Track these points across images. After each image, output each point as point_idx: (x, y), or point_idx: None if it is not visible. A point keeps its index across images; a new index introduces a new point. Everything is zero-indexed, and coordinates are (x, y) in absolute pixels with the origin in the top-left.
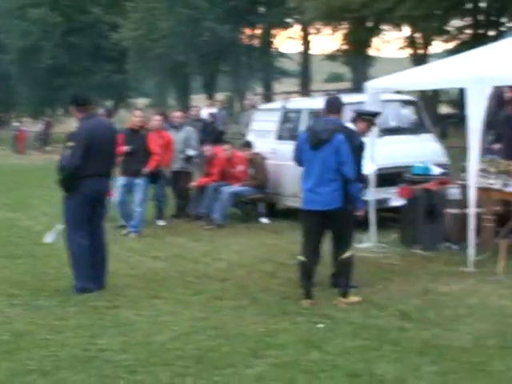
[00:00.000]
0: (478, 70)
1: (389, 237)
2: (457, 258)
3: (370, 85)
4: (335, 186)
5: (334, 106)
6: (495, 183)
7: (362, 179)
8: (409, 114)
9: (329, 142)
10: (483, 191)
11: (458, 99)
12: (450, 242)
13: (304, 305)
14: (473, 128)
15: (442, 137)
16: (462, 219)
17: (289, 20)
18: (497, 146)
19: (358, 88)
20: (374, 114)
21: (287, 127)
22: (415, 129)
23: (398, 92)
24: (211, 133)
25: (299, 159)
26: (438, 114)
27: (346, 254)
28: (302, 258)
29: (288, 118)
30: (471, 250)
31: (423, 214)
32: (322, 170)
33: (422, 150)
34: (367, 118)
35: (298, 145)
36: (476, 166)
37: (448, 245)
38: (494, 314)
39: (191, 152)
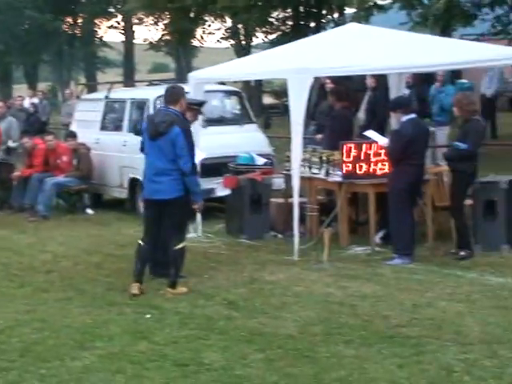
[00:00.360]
0: (298, 61)
1: (215, 227)
2: (282, 247)
3: (193, 75)
4: (175, 176)
5: (172, 96)
6: (318, 173)
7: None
8: (232, 104)
9: (166, 135)
10: (307, 181)
11: (282, 90)
12: (276, 231)
13: (133, 290)
14: (295, 118)
15: (266, 127)
16: (287, 209)
17: (111, 9)
18: (319, 137)
19: (181, 78)
20: (201, 103)
21: (111, 117)
22: (239, 119)
23: (222, 83)
24: (34, 123)
25: (142, 149)
26: (262, 104)
27: (179, 245)
28: (140, 241)
29: (112, 109)
30: (296, 239)
31: (248, 203)
32: (161, 160)
33: (246, 141)
34: (195, 107)
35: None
36: (299, 156)
37: (273, 234)
38: (319, 301)
39: (12, 143)
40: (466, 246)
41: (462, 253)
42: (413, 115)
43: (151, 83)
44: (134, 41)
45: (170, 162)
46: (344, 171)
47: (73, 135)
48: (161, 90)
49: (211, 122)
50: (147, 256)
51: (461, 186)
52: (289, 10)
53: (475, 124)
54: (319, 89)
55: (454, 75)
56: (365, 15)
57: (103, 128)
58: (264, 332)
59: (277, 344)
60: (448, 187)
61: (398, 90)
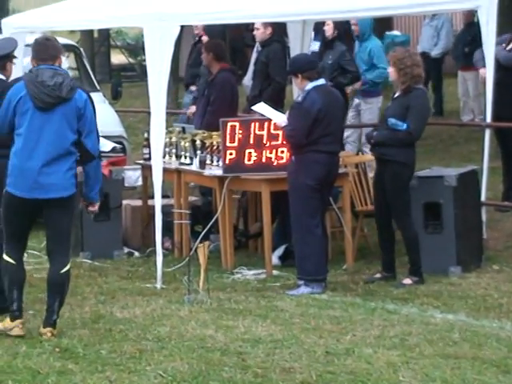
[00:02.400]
0: (158, 4)
1: (43, 240)
2: (140, 269)
3: (8, 22)
4: (70, 164)
5: (53, 50)
6: (190, 163)
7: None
8: (67, 64)
9: (67, 102)
10: (174, 174)
11: (137, 44)
12: (130, 247)
13: (17, 331)
14: (155, 85)
15: (115, 97)
16: (146, 215)
17: None
18: (191, 111)
19: None
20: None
21: None
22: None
23: (53, 33)
24: None
25: (16, 125)
26: (110, 64)
27: (67, 267)
28: (9, 259)
29: None
30: (159, 259)
31: None
32: (53, 141)
33: None
34: None
35: (8, 105)
36: (162, 140)
37: (127, 251)
38: (193, 347)
39: None
40: (417, 270)
41: (408, 281)
42: (321, 81)
43: None
44: None
45: (67, 143)
46: (226, 161)
47: None
48: None
49: None
50: (22, 278)
51: (401, 183)
52: None
53: (420, 95)
54: (194, 44)
55: (382, 26)
56: None
57: None
58: None
59: None
60: (374, 185)
61: (301, 45)
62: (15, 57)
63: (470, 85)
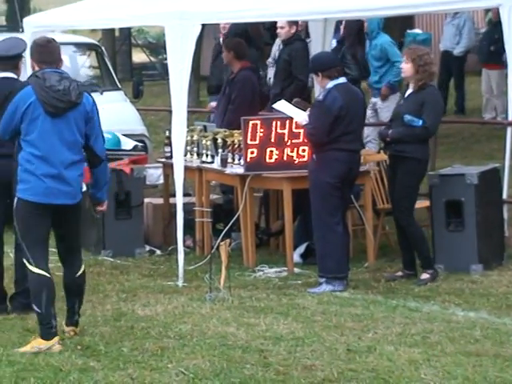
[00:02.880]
0: (180, 2)
1: None
2: (162, 268)
3: (30, 21)
4: (81, 170)
5: (55, 53)
6: (211, 161)
7: None
8: (88, 63)
9: (77, 107)
10: (195, 173)
11: (159, 43)
12: (152, 245)
13: (56, 348)
14: (176, 83)
15: (137, 96)
16: (168, 213)
17: None
18: (212, 105)
19: (13, 25)
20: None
21: None
22: (97, 84)
23: (74, 32)
24: None
25: (23, 131)
26: (131, 63)
27: (82, 268)
28: (41, 271)
29: None
30: (181, 257)
31: (112, 206)
32: (68, 146)
33: (107, 115)
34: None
35: (14, 111)
36: (183, 138)
37: (149, 249)
38: (214, 345)
39: None
40: (429, 263)
41: (425, 275)
42: (342, 79)
43: None
44: None
45: (78, 148)
46: (248, 159)
47: None
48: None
49: None
50: (53, 289)
51: (414, 179)
52: None
53: (433, 92)
54: (217, 44)
55: (404, 24)
56: None
57: None
58: None
59: None
60: (388, 183)
61: (322, 43)
62: (23, 57)
63: (493, 82)
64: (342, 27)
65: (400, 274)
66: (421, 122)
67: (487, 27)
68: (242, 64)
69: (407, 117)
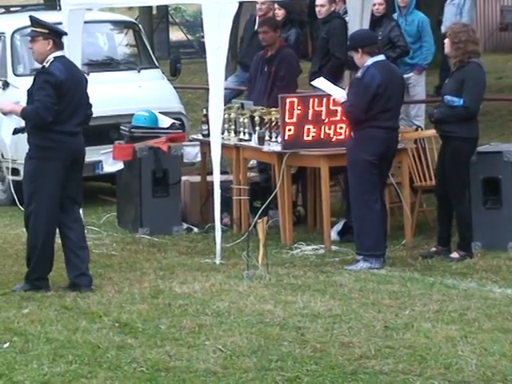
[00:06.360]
0: None
1: (102, 217)
2: (199, 245)
3: None
4: None
5: None
6: (248, 139)
7: None
8: (126, 41)
9: None
10: (233, 151)
11: (196, 21)
12: (189, 223)
13: None
14: (213, 61)
15: (174, 74)
16: (205, 191)
17: None
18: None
19: (50, 3)
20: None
21: None
22: (135, 63)
23: (111, 10)
24: None
25: None
26: (169, 41)
27: None
28: None
29: None
30: (218, 235)
31: (150, 183)
32: None
33: (145, 93)
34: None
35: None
36: (220, 116)
37: (186, 227)
38: (252, 322)
39: None
40: (466, 245)
41: (456, 254)
42: (381, 57)
43: (8, 10)
44: None
45: None
46: (285, 137)
47: None
48: (22, 19)
49: (95, 66)
50: None
51: (461, 158)
52: None
53: (473, 69)
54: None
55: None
56: None
57: None
58: (173, 367)
59: (191, 383)
60: (437, 160)
61: (360, 21)
62: None
63: None
64: (377, 6)
65: (434, 249)
66: (461, 102)
67: None
68: (281, 42)
69: (447, 97)
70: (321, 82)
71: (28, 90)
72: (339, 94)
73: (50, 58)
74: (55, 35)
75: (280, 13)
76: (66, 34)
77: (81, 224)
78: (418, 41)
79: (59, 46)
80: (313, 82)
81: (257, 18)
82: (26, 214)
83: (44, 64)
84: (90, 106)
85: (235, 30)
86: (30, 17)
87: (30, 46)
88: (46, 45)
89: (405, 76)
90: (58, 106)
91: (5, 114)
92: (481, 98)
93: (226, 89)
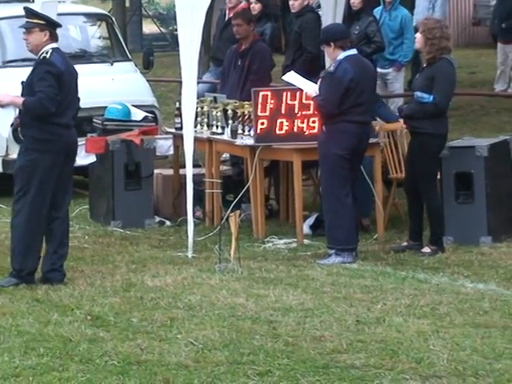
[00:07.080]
0: None
1: (74, 209)
2: (171, 238)
3: None
4: None
5: None
6: (221, 133)
7: None
8: (98, 33)
9: None
10: (205, 144)
11: (169, 14)
12: (161, 216)
13: None
14: (186, 54)
15: (147, 67)
16: (177, 184)
17: None
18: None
19: None
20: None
21: None
22: (107, 55)
23: (84, 2)
24: None
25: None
26: (142, 34)
27: None
28: None
29: None
30: (190, 228)
31: (122, 176)
32: None
33: (117, 86)
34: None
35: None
36: (193, 109)
37: (158, 220)
38: (223, 316)
39: None
40: (437, 240)
41: (427, 249)
42: (353, 51)
43: None
44: None
45: None
46: (258, 131)
47: None
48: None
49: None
50: None
51: (430, 154)
52: None
53: (445, 66)
54: (221, 17)
55: None
56: None
57: None
58: (144, 360)
59: (162, 377)
60: (406, 155)
61: (333, 15)
62: None
63: (510, 57)
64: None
65: (405, 243)
66: (431, 99)
67: (496, 2)
68: (254, 36)
69: (417, 93)
70: (291, 77)
71: (24, 82)
72: (310, 88)
73: (48, 48)
74: (51, 26)
75: (256, 7)
76: (60, 25)
77: (67, 219)
78: (399, 37)
79: (55, 37)
80: (283, 77)
81: (227, 11)
82: (16, 207)
83: (44, 55)
84: (79, 99)
85: (208, 24)
86: (25, 8)
87: (25, 38)
88: (42, 36)
89: (383, 71)
90: (59, 96)
91: (2, 106)
92: (451, 95)
93: (199, 82)
